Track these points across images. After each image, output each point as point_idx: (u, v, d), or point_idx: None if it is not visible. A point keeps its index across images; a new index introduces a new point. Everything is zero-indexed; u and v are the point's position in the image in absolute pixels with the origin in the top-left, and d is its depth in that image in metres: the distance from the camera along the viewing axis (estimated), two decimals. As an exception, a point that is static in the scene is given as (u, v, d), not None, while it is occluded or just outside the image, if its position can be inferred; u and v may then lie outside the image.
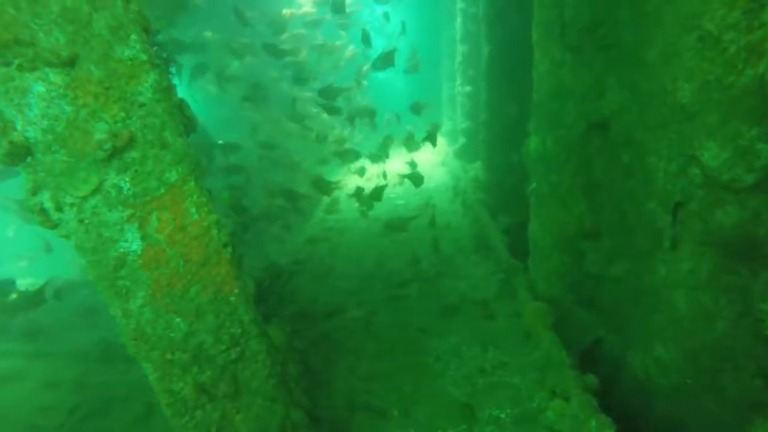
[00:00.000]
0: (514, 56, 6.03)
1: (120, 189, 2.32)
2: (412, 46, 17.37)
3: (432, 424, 3.25)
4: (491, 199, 7.00)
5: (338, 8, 10.59)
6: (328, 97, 8.74)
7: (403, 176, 7.58)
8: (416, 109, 9.49)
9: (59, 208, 2.24)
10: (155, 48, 4.07)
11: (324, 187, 7.54)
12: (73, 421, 4.32)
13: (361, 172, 9.37)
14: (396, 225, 6.57)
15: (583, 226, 3.76)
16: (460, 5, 9.51)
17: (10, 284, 6.89)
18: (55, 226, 2.30)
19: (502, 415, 3.21)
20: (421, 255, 5.96)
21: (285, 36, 11.62)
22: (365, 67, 12.56)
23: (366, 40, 9.74)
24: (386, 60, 8.72)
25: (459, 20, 9.68)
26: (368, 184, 9.41)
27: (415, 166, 8.85)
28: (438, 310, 4.63)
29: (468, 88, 9.72)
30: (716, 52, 2.32)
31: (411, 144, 9.47)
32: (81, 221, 2.29)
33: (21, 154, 2.15)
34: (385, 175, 8.83)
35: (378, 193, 7.14)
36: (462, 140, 10.34)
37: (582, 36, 3.43)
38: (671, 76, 2.68)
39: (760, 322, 1.94)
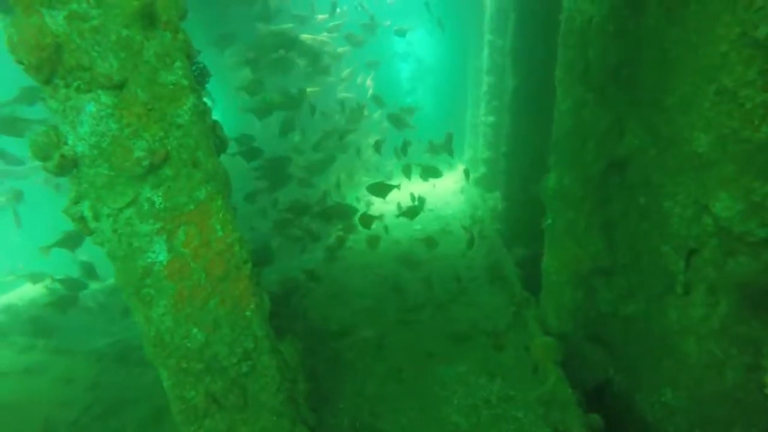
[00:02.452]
0: (539, 91, 6.12)
1: (153, 203, 2.49)
2: (439, 71, 17.54)
3: (434, 452, 3.26)
4: (508, 230, 7.01)
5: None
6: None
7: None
8: (397, 122, 9.50)
9: (97, 218, 2.42)
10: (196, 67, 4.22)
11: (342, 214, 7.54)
12: (87, 419, 4.46)
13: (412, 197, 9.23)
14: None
15: (597, 263, 3.76)
16: (487, 37, 9.71)
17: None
18: (91, 233, 2.47)
19: (505, 450, 3.20)
20: (436, 281, 6.00)
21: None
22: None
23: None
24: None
25: (486, 52, 9.87)
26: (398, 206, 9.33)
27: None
28: (449, 337, 4.64)
29: (491, 119, 9.83)
30: (733, 106, 2.37)
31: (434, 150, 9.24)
32: (115, 230, 2.46)
33: (69, 166, 2.34)
34: (416, 200, 8.80)
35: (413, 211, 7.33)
36: (482, 169, 10.40)
37: (605, 76, 3.51)
38: (689, 124, 2.73)
39: (763, 376, 1.93)
